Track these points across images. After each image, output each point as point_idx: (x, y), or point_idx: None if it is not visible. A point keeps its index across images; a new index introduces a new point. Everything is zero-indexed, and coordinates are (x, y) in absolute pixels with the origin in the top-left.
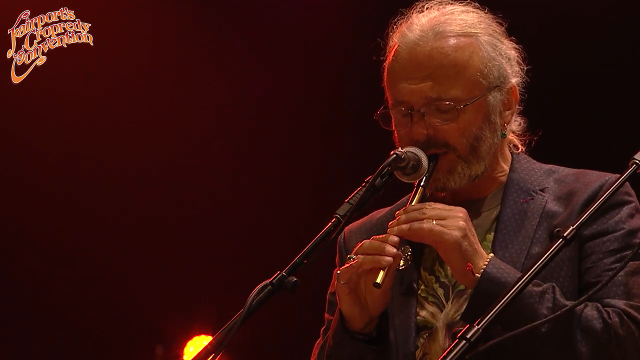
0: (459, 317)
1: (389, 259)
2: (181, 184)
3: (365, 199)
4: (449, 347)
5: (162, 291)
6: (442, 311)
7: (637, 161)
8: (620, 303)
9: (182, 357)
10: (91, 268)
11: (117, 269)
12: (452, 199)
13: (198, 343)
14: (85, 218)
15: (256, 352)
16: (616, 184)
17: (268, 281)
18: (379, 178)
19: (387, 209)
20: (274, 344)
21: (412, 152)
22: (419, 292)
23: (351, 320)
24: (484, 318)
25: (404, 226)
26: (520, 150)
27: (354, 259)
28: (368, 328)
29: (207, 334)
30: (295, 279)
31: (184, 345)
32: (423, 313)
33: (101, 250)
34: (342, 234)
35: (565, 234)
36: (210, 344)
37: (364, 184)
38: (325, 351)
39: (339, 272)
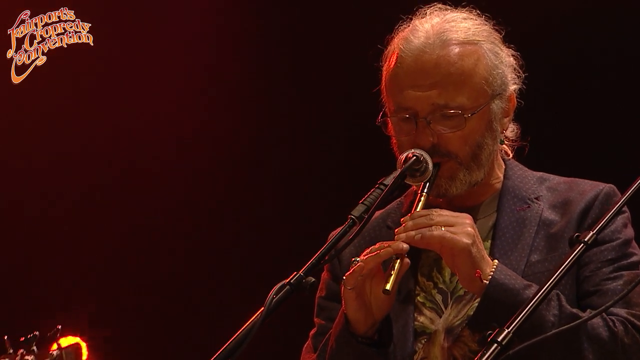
0: (458, 322)
1: (389, 249)
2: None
3: (382, 200)
4: (480, 350)
5: (29, 290)
6: (440, 317)
7: None
8: (622, 312)
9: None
10: None
11: None
12: (447, 206)
13: (66, 344)
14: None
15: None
16: (632, 189)
17: (286, 281)
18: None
19: (377, 212)
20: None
21: (423, 156)
22: (417, 298)
23: (355, 324)
24: (514, 322)
25: (413, 233)
26: (510, 156)
27: (357, 263)
28: (370, 331)
29: (75, 335)
30: (313, 280)
31: (50, 347)
32: (421, 319)
33: None
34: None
35: (586, 239)
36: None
37: (377, 185)
38: (327, 355)
39: (344, 278)
